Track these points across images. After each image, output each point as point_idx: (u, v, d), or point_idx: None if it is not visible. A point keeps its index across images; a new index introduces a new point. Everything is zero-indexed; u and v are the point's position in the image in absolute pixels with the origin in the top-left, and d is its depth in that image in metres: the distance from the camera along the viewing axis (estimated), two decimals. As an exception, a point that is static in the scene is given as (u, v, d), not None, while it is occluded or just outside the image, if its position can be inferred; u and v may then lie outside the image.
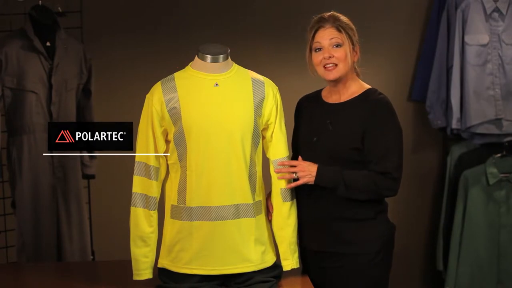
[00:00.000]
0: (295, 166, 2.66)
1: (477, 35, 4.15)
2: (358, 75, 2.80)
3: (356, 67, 2.79)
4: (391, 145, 2.63)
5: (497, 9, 4.14)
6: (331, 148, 2.67)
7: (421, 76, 4.45)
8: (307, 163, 2.66)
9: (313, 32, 2.70)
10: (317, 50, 2.70)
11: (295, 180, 2.68)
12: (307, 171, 2.64)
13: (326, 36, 2.68)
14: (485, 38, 4.14)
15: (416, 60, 4.52)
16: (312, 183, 2.65)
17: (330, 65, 2.68)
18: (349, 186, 2.61)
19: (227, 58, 2.67)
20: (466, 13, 4.16)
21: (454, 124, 4.16)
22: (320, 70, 2.71)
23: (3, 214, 3.91)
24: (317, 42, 2.69)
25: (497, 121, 4.12)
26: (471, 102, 4.12)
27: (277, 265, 2.73)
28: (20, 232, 3.67)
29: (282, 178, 2.67)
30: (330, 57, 2.67)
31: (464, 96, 4.16)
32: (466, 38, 4.16)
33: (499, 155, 4.18)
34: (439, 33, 4.30)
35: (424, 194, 4.62)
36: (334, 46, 2.67)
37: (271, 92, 2.69)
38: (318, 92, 2.84)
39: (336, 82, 2.72)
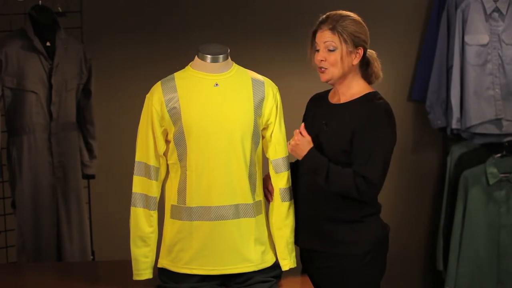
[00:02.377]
0: (300, 135, 2.67)
1: (477, 35, 4.15)
2: (377, 76, 2.76)
3: (377, 65, 2.76)
4: (377, 150, 2.60)
5: (497, 9, 4.14)
6: (323, 148, 2.67)
7: (421, 76, 4.45)
8: (308, 140, 2.66)
9: (312, 32, 2.71)
10: (317, 51, 2.70)
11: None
12: (301, 146, 2.66)
13: (321, 39, 2.67)
14: (485, 38, 4.14)
15: (416, 60, 4.52)
16: (299, 158, 2.67)
17: (322, 68, 2.68)
18: (329, 177, 2.60)
19: (227, 58, 2.67)
20: (466, 13, 4.16)
21: (454, 124, 4.16)
22: (318, 70, 2.72)
23: (3, 214, 3.91)
24: (316, 43, 2.70)
25: (497, 121, 4.12)
26: (471, 102, 4.13)
27: (277, 265, 2.73)
28: (20, 232, 3.67)
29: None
30: (322, 60, 2.67)
31: (464, 96, 4.16)
32: (466, 38, 4.16)
33: (499, 155, 4.18)
34: (439, 33, 4.30)
35: (424, 194, 4.62)
36: (328, 50, 2.67)
37: (271, 92, 2.69)
38: (327, 91, 2.84)
39: (333, 83, 2.72)
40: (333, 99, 2.78)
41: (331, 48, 2.66)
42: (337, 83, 2.72)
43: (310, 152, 2.65)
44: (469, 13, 4.15)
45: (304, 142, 2.66)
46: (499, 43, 4.13)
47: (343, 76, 2.70)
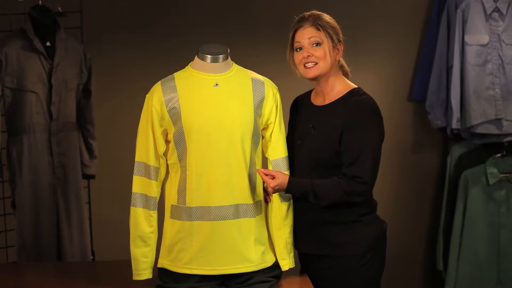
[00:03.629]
0: (274, 177, 2.62)
1: (477, 35, 4.15)
2: (347, 74, 2.79)
3: (345, 65, 2.79)
4: (365, 147, 2.59)
5: (497, 9, 4.15)
6: (313, 152, 2.67)
7: (421, 76, 4.45)
8: (280, 175, 2.61)
9: (293, 31, 2.71)
10: (298, 50, 2.69)
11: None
12: (279, 185, 2.61)
13: (305, 35, 2.67)
14: (485, 38, 4.15)
15: (416, 60, 4.52)
16: (284, 192, 2.65)
17: (310, 63, 2.67)
18: (318, 195, 2.60)
19: (227, 58, 2.67)
20: (466, 13, 4.16)
21: (454, 124, 4.17)
22: (301, 69, 2.70)
23: (3, 214, 3.91)
24: (297, 41, 2.69)
25: (497, 121, 4.12)
26: (471, 102, 4.13)
27: (277, 265, 2.73)
28: (20, 232, 3.67)
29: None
30: (309, 56, 2.66)
31: (464, 96, 4.17)
32: (466, 38, 4.16)
33: (499, 155, 4.18)
34: (439, 33, 4.30)
35: (424, 194, 4.62)
36: (314, 45, 2.67)
37: (271, 92, 2.69)
38: (309, 93, 2.84)
39: (319, 81, 2.71)
40: (316, 100, 2.77)
41: (317, 42, 2.66)
42: (321, 81, 2.70)
43: (290, 182, 2.63)
44: (469, 13, 4.15)
45: (279, 180, 2.61)
46: (499, 43, 4.13)
47: (328, 74, 2.69)
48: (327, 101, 2.72)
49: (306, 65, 2.67)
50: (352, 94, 2.69)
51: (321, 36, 2.66)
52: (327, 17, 2.70)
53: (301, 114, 2.78)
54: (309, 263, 2.78)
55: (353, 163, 2.58)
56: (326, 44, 2.66)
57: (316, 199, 2.62)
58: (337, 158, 2.63)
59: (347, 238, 2.66)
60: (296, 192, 2.65)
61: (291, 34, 2.71)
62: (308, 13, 2.72)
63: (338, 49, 2.70)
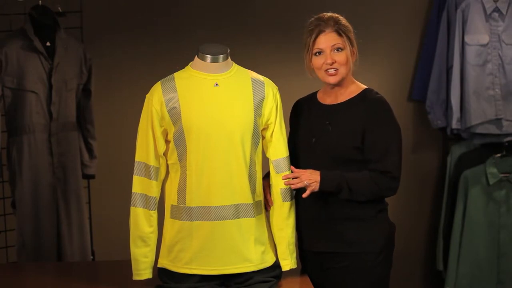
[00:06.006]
0: (298, 177, 2.61)
1: (477, 35, 4.15)
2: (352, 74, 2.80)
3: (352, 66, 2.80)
4: (391, 144, 2.64)
5: (497, 9, 4.15)
6: (331, 148, 2.67)
7: (421, 76, 4.45)
8: (310, 171, 2.63)
9: (313, 36, 2.68)
10: (318, 54, 2.69)
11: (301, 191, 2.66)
12: (313, 180, 2.61)
13: (328, 42, 2.67)
14: (485, 38, 4.15)
15: (416, 60, 4.52)
16: (317, 190, 2.62)
17: (332, 70, 2.68)
18: (352, 189, 2.61)
19: (227, 58, 2.67)
20: (466, 13, 4.17)
21: (454, 124, 4.17)
22: (321, 74, 2.70)
23: (3, 214, 3.91)
24: (319, 47, 2.68)
25: (497, 121, 4.13)
26: (471, 102, 4.13)
27: (277, 265, 2.73)
28: (20, 232, 3.67)
29: (291, 185, 2.63)
30: (332, 62, 2.67)
31: (464, 96, 4.17)
32: (466, 38, 4.16)
33: (499, 155, 4.18)
34: (439, 33, 4.30)
35: (424, 194, 4.62)
36: (335, 50, 2.67)
37: (271, 92, 2.69)
38: (313, 94, 2.84)
39: (339, 84, 2.72)
40: (326, 100, 2.77)
41: (340, 48, 2.67)
42: (338, 84, 2.72)
43: (323, 178, 2.62)
44: (469, 13, 4.15)
45: (312, 177, 2.60)
46: (499, 43, 4.13)
47: (346, 77, 2.72)
48: (340, 100, 2.74)
49: (328, 71, 2.68)
50: (367, 93, 2.72)
51: (343, 41, 2.67)
52: (344, 20, 2.71)
53: (310, 114, 2.78)
54: (318, 262, 2.76)
55: (381, 159, 2.62)
56: (347, 49, 2.68)
57: (350, 193, 2.62)
58: (354, 153, 2.65)
59: (364, 235, 2.67)
60: (331, 188, 2.62)
61: (311, 39, 2.69)
62: (326, 15, 2.70)
63: (353, 51, 2.72)
